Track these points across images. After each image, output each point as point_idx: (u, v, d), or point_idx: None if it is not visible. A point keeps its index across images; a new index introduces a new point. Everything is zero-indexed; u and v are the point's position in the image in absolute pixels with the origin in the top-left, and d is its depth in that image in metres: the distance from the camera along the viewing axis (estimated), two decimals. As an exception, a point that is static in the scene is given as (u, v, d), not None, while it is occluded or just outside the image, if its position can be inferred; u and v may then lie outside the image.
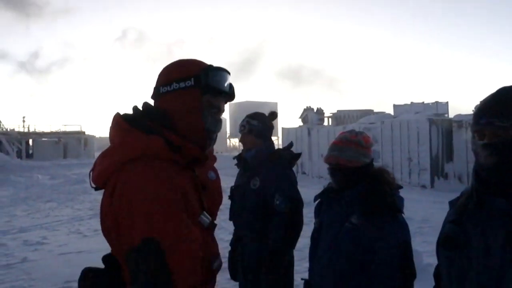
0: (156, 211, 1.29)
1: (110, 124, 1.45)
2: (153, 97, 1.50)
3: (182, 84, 1.43)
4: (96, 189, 1.44)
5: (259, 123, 3.27)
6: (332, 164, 2.33)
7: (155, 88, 1.48)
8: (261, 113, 3.38)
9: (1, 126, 38.80)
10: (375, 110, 29.86)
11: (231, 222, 3.41)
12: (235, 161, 3.42)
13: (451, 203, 1.66)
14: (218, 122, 1.52)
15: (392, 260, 2.11)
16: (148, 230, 1.27)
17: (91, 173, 1.45)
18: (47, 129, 46.49)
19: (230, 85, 1.52)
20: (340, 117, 29.81)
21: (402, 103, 23.68)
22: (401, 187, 2.33)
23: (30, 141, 44.82)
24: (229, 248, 3.44)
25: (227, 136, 54.03)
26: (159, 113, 1.44)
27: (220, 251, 1.57)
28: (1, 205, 13.33)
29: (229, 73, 1.52)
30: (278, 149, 3.36)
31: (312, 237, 2.45)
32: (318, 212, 2.46)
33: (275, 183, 3.10)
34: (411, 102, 22.88)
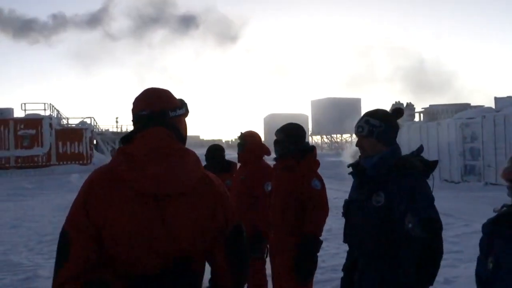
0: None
1: (161, 140, 1.75)
2: (160, 118, 1.78)
3: (180, 112, 1.84)
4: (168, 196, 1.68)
5: (381, 122, 2.60)
6: (514, 182, 1.62)
7: (161, 111, 1.79)
8: (384, 110, 2.70)
9: (97, 126, 40.99)
10: (472, 104, 27.62)
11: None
12: (349, 170, 2.79)
13: None
14: None
15: None
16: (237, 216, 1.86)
17: (161, 180, 1.66)
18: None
19: None
20: (432, 112, 27.74)
21: (504, 95, 21.56)
22: None
23: (123, 141, 47.04)
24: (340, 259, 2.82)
25: (309, 134, 52.87)
26: (183, 134, 1.88)
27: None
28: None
29: None
30: (407, 155, 2.66)
31: (480, 278, 1.77)
32: (487, 248, 1.76)
33: (407, 200, 2.41)
34: (516, 94, 20.69)
